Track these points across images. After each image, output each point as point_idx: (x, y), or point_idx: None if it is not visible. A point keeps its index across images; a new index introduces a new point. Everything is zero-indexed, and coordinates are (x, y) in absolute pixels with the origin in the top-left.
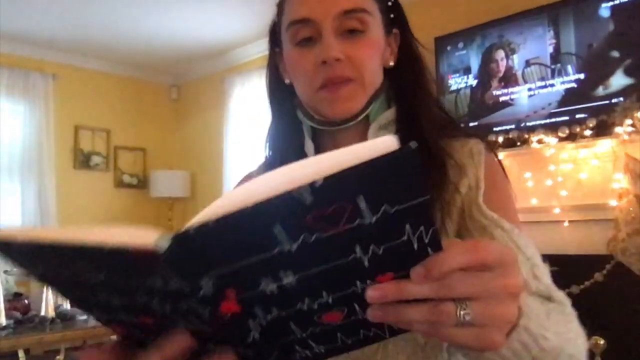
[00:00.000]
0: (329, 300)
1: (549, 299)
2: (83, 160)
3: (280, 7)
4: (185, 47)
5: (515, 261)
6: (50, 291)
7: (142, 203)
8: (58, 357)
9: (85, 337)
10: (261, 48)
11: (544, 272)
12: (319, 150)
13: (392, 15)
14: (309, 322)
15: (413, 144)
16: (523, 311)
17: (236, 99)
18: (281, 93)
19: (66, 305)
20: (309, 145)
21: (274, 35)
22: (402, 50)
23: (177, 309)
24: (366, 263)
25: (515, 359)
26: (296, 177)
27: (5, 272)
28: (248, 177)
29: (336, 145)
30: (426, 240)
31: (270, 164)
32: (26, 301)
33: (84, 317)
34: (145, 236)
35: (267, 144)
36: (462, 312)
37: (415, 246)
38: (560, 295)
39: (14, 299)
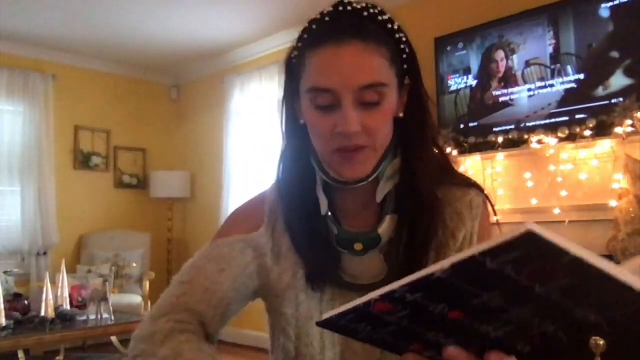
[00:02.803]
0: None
1: None
2: (83, 161)
3: (301, 55)
4: (185, 47)
5: None
6: (50, 292)
7: (142, 203)
8: (58, 357)
9: (84, 338)
10: (261, 48)
11: None
12: (330, 201)
13: (405, 66)
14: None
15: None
16: None
17: (236, 99)
18: (296, 131)
19: (66, 305)
20: (322, 199)
21: (290, 67)
22: (410, 97)
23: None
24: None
25: None
26: None
27: (5, 272)
28: (264, 201)
29: (346, 198)
30: None
31: (286, 201)
32: (26, 302)
33: (84, 317)
34: None
35: (280, 168)
36: None
37: None
38: None
39: (14, 300)
